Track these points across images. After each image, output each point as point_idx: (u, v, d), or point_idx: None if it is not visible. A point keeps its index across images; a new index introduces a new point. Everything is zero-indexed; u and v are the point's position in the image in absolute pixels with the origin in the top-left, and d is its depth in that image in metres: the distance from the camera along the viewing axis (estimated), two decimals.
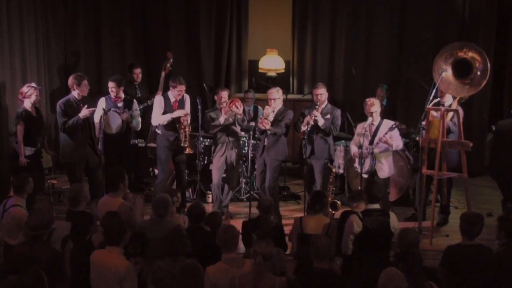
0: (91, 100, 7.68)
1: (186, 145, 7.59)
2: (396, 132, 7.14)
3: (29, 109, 7.32)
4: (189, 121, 7.58)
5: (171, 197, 5.85)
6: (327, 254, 4.48)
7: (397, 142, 7.15)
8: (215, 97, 7.81)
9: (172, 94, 7.57)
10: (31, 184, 5.90)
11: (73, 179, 7.39)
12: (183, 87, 7.56)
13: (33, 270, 4.16)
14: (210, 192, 8.06)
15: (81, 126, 7.30)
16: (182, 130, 7.55)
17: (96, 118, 7.53)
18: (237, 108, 7.46)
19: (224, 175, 7.80)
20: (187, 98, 7.72)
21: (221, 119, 7.54)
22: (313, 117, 7.24)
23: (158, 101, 7.60)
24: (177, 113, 7.50)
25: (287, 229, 6.13)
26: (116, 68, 9.93)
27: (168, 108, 7.55)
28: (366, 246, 5.21)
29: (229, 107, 7.45)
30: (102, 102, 7.72)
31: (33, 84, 7.51)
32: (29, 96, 7.31)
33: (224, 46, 10.18)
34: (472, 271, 4.86)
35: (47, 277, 4.21)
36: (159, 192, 6.98)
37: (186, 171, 8.68)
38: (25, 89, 7.38)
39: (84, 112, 7.24)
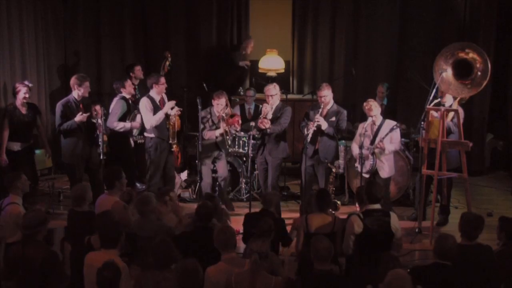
0: (90, 101, 7.65)
1: (174, 142, 7.56)
2: (396, 134, 7.14)
3: (18, 106, 7.33)
4: (176, 118, 7.54)
5: (163, 196, 5.83)
6: (328, 256, 4.45)
7: (394, 145, 7.17)
8: (212, 101, 7.71)
9: (156, 92, 7.50)
10: (24, 181, 5.80)
11: (73, 180, 7.36)
12: (164, 79, 7.54)
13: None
14: None
15: (79, 127, 7.28)
16: (170, 127, 7.51)
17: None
18: (236, 127, 7.48)
19: (215, 175, 7.84)
20: (165, 95, 7.70)
21: (217, 132, 7.55)
22: (315, 123, 7.17)
23: (145, 104, 7.47)
24: (168, 106, 7.45)
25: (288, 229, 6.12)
26: (116, 68, 9.93)
27: (156, 108, 7.48)
28: (367, 246, 5.20)
29: (227, 123, 7.44)
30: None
31: (26, 82, 7.52)
32: (17, 93, 7.33)
33: (224, 46, 10.16)
34: (471, 270, 4.85)
35: (43, 277, 4.18)
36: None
37: (186, 171, 8.70)
38: (16, 85, 7.45)
39: (80, 117, 7.20)
